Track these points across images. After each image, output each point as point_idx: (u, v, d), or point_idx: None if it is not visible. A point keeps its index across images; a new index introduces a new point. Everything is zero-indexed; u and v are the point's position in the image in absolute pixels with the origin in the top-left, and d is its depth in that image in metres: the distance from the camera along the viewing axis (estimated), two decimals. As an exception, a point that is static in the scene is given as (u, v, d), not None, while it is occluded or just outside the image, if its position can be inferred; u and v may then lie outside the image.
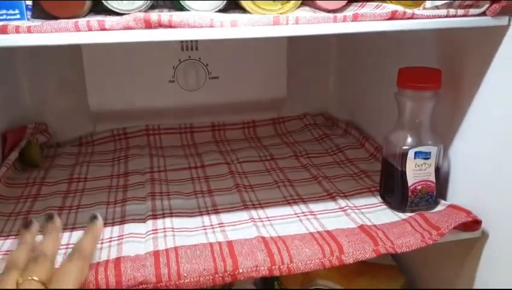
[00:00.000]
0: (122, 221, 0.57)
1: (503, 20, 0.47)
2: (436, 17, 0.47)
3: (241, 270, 0.47)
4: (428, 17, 0.47)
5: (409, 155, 0.55)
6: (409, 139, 0.56)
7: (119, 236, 0.54)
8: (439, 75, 0.54)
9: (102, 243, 0.52)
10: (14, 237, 0.54)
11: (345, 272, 0.69)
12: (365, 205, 0.60)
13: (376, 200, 0.61)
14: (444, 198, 0.59)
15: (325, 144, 0.82)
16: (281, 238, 0.52)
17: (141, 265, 0.47)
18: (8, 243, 0.53)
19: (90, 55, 0.77)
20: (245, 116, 0.89)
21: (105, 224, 0.57)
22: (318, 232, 0.53)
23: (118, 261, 0.48)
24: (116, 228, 0.56)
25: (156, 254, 0.48)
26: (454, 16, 0.47)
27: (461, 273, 0.58)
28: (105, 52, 0.78)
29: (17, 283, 0.40)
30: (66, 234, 0.55)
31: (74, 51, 0.79)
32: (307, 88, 0.92)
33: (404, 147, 0.56)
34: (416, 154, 0.55)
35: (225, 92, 0.84)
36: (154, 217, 0.58)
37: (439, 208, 0.57)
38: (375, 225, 0.54)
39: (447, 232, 0.51)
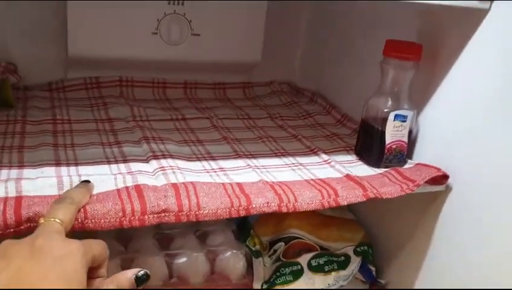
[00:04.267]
0: (125, 160, 0.59)
1: (485, 4, 0.56)
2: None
3: (254, 205, 0.52)
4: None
5: (389, 117, 0.63)
6: (390, 103, 0.64)
7: (128, 172, 0.55)
8: (420, 48, 0.62)
9: (114, 175, 0.54)
10: (17, 167, 0.54)
11: (314, 223, 0.76)
12: (345, 161, 0.67)
13: (352, 157, 0.68)
14: (410, 157, 0.68)
15: (294, 109, 0.88)
16: (283, 183, 0.57)
17: (163, 195, 0.49)
18: (14, 172, 0.52)
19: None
20: (216, 77, 0.92)
21: (109, 161, 0.58)
22: (312, 179, 0.59)
23: (138, 188, 0.50)
24: (122, 165, 0.57)
25: (175, 186, 0.51)
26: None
27: (420, 226, 0.67)
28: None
29: (38, 223, 0.42)
30: (72, 168, 0.55)
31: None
32: (274, 57, 0.97)
33: (386, 110, 0.63)
34: (396, 116, 0.63)
35: (204, 51, 0.86)
36: (156, 157, 0.60)
37: (408, 165, 0.65)
38: (358, 176, 0.61)
39: (421, 184, 0.59)
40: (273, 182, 0.57)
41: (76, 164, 0.56)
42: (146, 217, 0.48)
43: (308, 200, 0.54)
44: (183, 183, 0.52)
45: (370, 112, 0.66)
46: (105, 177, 0.52)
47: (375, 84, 0.65)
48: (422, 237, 0.67)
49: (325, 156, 0.67)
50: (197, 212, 0.50)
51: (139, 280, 0.44)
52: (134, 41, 0.81)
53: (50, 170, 0.54)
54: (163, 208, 0.48)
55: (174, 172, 0.56)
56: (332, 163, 0.65)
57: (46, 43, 0.81)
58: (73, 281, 0.38)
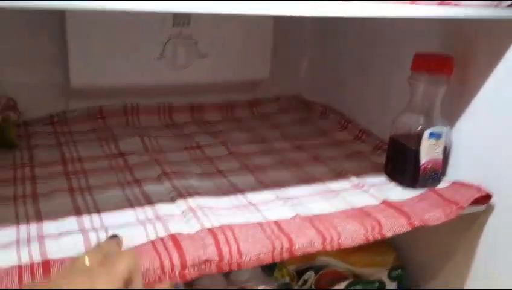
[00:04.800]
0: (149, 202, 0.54)
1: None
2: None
3: (297, 247, 0.48)
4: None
5: (424, 135, 0.60)
6: (422, 120, 0.61)
7: (156, 217, 0.51)
8: (452, 61, 0.59)
9: (143, 223, 0.49)
10: (35, 221, 0.49)
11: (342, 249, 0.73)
12: (377, 183, 0.63)
13: (383, 178, 0.65)
14: (444, 174, 0.65)
15: (307, 126, 0.84)
16: (321, 217, 0.53)
17: (201, 244, 0.45)
18: (33, 229, 0.47)
19: (75, 24, 0.70)
20: (220, 97, 0.88)
21: (132, 205, 0.54)
22: (351, 209, 0.56)
23: (174, 238, 0.46)
24: (148, 209, 0.53)
25: (212, 232, 0.47)
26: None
27: (459, 248, 0.64)
28: (91, 23, 0.71)
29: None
30: (95, 218, 0.50)
31: (55, 19, 0.71)
32: (280, 71, 0.93)
33: (419, 128, 0.60)
34: (431, 134, 0.60)
35: (211, 72, 0.82)
36: (181, 196, 0.55)
37: (443, 184, 0.62)
38: (396, 202, 0.58)
39: (466, 206, 0.56)
40: (310, 218, 0.53)
41: (99, 212, 0.52)
42: (187, 271, 0.44)
43: (352, 235, 0.51)
44: (220, 227, 0.48)
45: (400, 129, 0.63)
46: (134, 229, 0.47)
47: (394, 95, 0.62)
48: (461, 260, 0.64)
49: (355, 180, 0.64)
50: (239, 260, 0.46)
51: None
52: (139, 67, 0.77)
53: (72, 222, 0.49)
54: (204, 259, 0.44)
55: (205, 213, 0.52)
56: (365, 187, 0.61)
57: (44, 73, 0.75)
58: None
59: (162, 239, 0.45)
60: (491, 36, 0.58)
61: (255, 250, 0.46)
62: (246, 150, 0.72)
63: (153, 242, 0.45)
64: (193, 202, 0.54)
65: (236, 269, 0.46)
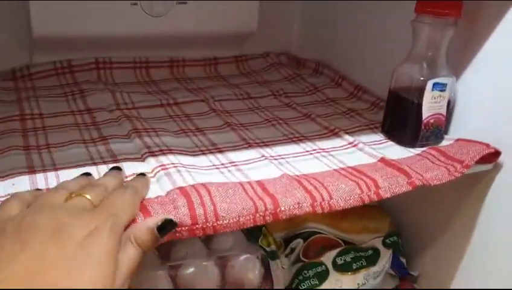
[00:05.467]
0: (116, 160, 0.48)
1: None
2: None
3: (283, 208, 0.42)
4: None
5: (427, 86, 0.53)
6: (425, 70, 0.54)
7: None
8: (461, 2, 0.52)
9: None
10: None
11: (332, 214, 0.66)
12: (372, 141, 0.57)
13: (379, 136, 0.59)
14: (446, 133, 0.59)
15: (298, 83, 0.77)
16: (310, 176, 0.47)
17: (173, 207, 0.39)
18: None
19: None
20: (204, 52, 0.80)
21: (95, 163, 0.47)
22: (342, 168, 0.49)
23: (142, 205, 0.39)
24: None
25: (184, 191, 0.41)
26: None
27: (461, 211, 0.59)
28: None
29: (66, 198, 0.36)
30: (51, 174, 0.44)
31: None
32: (268, 24, 0.85)
33: (421, 78, 0.53)
34: (434, 85, 0.53)
35: (191, 21, 0.74)
36: (153, 154, 0.49)
37: (446, 142, 0.56)
38: (394, 160, 0.52)
39: (472, 164, 0.50)
40: (298, 176, 0.47)
41: (56, 170, 0.45)
42: (153, 236, 0.37)
43: (345, 195, 0.45)
44: (193, 186, 0.42)
45: (401, 81, 0.56)
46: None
47: (394, 47, 0.55)
48: (461, 224, 0.59)
49: (348, 137, 0.57)
50: (215, 223, 0.39)
51: (163, 230, 0.37)
52: (110, 14, 0.69)
53: (23, 181, 0.43)
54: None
55: (178, 171, 0.45)
56: (360, 145, 0.55)
57: (5, 24, 0.67)
58: (100, 266, 0.31)
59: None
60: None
61: (235, 212, 0.40)
62: (230, 107, 0.66)
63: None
64: (166, 159, 0.48)
65: (212, 233, 0.40)
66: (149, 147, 0.50)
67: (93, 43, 0.71)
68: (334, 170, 0.49)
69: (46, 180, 0.43)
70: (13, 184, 0.42)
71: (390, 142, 0.57)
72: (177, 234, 0.38)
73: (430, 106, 0.54)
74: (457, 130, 0.58)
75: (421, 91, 0.53)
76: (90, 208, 0.35)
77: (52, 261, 0.30)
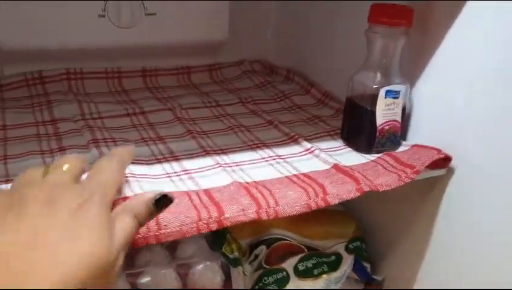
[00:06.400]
0: (69, 171, 0.49)
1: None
2: None
3: (227, 215, 0.42)
4: None
5: (380, 94, 0.54)
6: (379, 78, 0.55)
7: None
8: (411, 12, 0.53)
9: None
10: None
11: (297, 219, 0.66)
12: (330, 148, 0.58)
13: (338, 143, 0.60)
14: (404, 139, 0.59)
15: (269, 90, 0.78)
16: (259, 183, 0.48)
17: (112, 216, 0.40)
18: None
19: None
20: (178, 61, 0.82)
21: (48, 174, 0.48)
22: (294, 175, 0.50)
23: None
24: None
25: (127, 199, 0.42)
26: None
27: (418, 215, 0.59)
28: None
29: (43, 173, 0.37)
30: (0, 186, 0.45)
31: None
32: (244, 33, 0.86)
33: (375, 86, 0.54)
34: (387, 93, 0.54)
35: (161, 32, 0.75)
36: (107, 165, 0.50)
37: (402, 148, 0.57)
38: (347, 166, 0.52)
39: (422, 169, 0.51)
40: (248, 183, 0.48)
41: (6, 182, 0.46)
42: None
43: (292, 202, 0.45)
44: (135, 196, 0.43)
45: (356, 89, 0.57)
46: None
47: (362, 57, 0.56)
48: (421, 228, 0.59)
49: (307, 144, 0.58)
50: (157, 233, 0.40)
51: (159, 204, 0.38)
52: (78, 26, 0.70)
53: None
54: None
55: (127, 181, 0.46)
56: (316, 151, 0.56)
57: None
58: (98, 230, 0.32)
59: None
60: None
61: (177, 221, 0.41)
62: (195, 115, 0.67)
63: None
64: (118, 169, 0.48)
65: (155, 242, 0.41)
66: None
67: (63, 55, 0.73)
68: (286, 176, 0.50)
69: (-3, 191, 0.44)
70: None
71: (348, 149, 0.58)
72: (119, 243, 0.39)
73: (384, 113, 0.55)
74: (414, 136, 0.59)
75: (374, 98, 0.54)
76: (69, 178, 0.36)
77: (50, 226, 0.31)
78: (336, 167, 0.52)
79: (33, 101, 0.67)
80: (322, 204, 0.46)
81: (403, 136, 0.59)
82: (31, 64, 0.72)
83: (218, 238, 0.63)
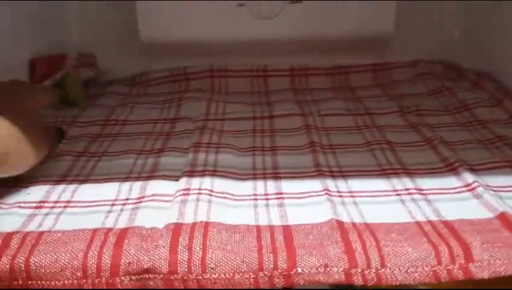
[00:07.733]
0: (149, 177, 0.42)
1: None
2: None
3: (299, 270, 0.30)
4: None
5: None
6: None
7: (138, 198, 0.38)
8: None
9: (113, 205, 0.38)
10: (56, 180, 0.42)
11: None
12: (504, 186, 0.39)
13: (520, 181, 0.40)
14: None
15: (444, 99, 0.60)
16: (369, 226, 0.33)
17: (153, 246, 0.31)
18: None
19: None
20: (335, 59, 0.69)
21: (127, 179, 0.42)
22: (429, 222, 0.34)
23: (122, 234, 0.33)
24: (137, 185, 0.40)
25: (177, 229, 0.32)
26: None
27: None
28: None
29: None
30: (72, 187, 0.41)
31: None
32: (421, 25, 0.69)
33: None
34: None
35: (308, 24, 0.64)
36: (191, 174, 0.41)
37: None
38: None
39: None
40: (353, 225, 0.34)
41: (84, 181, 0.42)
42: (117, 279, 0.30)
43: (408, 265, 0.30)
44: (191, 224, 0.33)
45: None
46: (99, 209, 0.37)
47: None
48: None
49: (468, 177, 0.40)
50: (200, 276, 0.30)
51: None
52: (217, 16, 0.64)
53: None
54: (146, 267, 0.30)
55: (198, 199, 0.37)
56: (479, 189, 0.38)
57: (121, 26, 0.69)
58: None
59: (108, 230, 0.33)
60: None
61: (229, 265, 0.30)
62: (331, 124, 0.54)
63: (93, 232, 0.33)
64: (197, 183, 0.40)
65: (196, 288, 0.30)
66: (194, 165, 0.43)
67: (206, 50, 0.68)
68: (416, 222, 0.34)
69: (59, 194, 0.40)
70: (29, 193, 0.40)
71: (537, 190, 0.38)
72: (150, 283, 0.30)
73: None
74: None
75: None
76: None
77: None
78: (503, 217, 0.33)
79: (169, 98, 0.64)
80: (458, 275, 0.29)
81: None
82: (177, 58, 0.69)
83: None
